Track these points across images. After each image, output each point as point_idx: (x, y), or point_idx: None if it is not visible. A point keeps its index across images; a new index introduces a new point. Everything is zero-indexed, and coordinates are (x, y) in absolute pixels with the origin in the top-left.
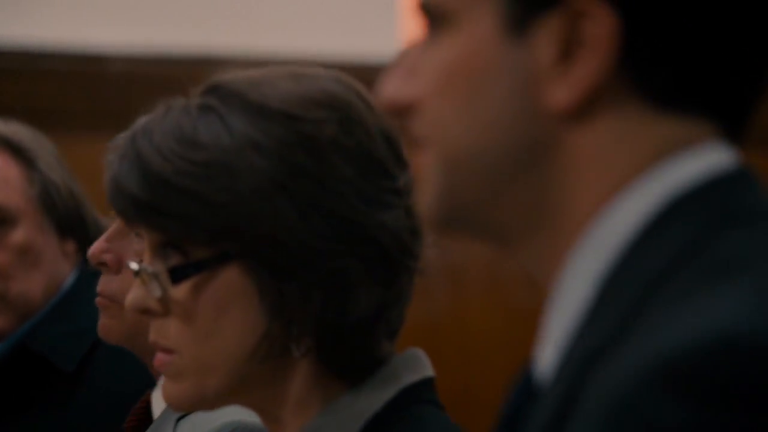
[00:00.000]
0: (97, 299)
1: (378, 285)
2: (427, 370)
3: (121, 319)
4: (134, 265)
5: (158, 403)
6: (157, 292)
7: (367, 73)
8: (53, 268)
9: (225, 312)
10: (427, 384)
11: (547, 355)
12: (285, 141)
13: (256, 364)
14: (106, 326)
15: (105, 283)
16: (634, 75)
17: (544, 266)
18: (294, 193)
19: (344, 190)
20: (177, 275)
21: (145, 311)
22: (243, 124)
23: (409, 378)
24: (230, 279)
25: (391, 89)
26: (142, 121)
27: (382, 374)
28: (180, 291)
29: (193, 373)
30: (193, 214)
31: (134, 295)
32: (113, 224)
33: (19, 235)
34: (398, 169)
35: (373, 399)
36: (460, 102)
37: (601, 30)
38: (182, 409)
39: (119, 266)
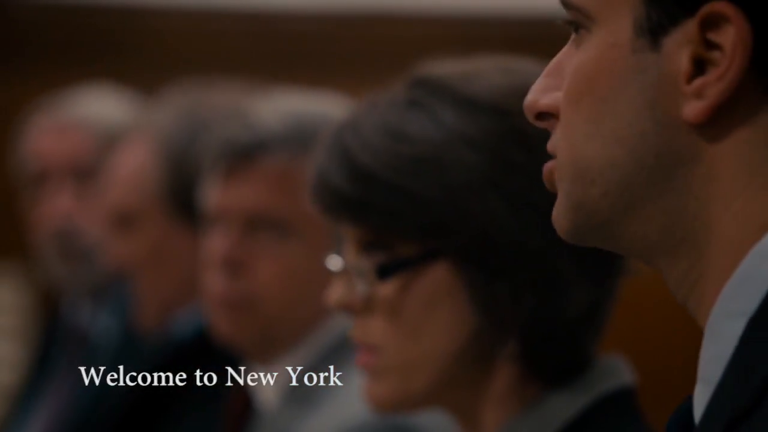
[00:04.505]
0: (226, 300)
1: (590, 283)
2: (627, 377)
3: (253, 319)
4: (337, 262)
5: (262, 391)
6: (362, 289)
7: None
8: (186, 266)
9: (432, 310)
10: (626, 393)
11: (701, 394)
12: (496, 135)
13: (463, 365)
14: (237, 327)
15: (233, 283)
16: None
17: (685, 288)
18: (505, 188)
19: None
20: (384, 272)
21: (348, 308)
22: (453, 118)
23: (607, 385)
24: (438, 277)
25: (533, 94)
26: (347, 115)
27: (582, 380)
28: (386, 288)
29: (399, 373)
30: (401, 210)
31: (338, 292)
32: (234, 221)
33: (144, 235)
34: None
35: (570, 405)
36: (590, 111)
37: (735, 37)
38: (385, 409)
39: (246, 267)
